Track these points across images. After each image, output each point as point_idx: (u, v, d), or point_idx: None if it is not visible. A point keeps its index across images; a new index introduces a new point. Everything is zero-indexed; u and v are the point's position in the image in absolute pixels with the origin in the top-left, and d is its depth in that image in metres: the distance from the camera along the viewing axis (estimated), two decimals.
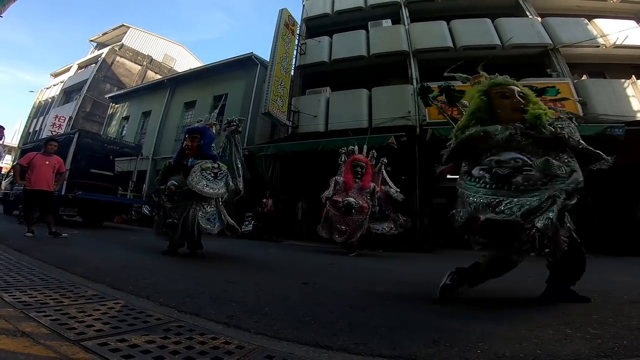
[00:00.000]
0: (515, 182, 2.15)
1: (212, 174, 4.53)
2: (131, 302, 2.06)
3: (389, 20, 13.44)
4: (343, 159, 7.25)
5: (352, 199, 6.43)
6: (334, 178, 6.93)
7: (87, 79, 24.11)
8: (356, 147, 7.32)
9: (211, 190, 4.42)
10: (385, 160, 7.55)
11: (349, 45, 13.08)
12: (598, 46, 11.29)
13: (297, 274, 3.93)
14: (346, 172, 6.78)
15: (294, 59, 13.21)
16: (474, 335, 1.71)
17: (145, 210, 12.26)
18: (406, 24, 13.02)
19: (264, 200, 10.64)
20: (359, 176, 6.71)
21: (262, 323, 1.82)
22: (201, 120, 5.22)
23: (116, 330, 1.54)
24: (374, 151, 7.48)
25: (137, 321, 1.70)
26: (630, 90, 10.25)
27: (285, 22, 12.49)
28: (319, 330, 1.74)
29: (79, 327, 1.53)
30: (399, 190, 7.53)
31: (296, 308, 2.20)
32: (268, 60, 12.35)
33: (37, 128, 26.25)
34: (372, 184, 6.78)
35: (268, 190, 10.89)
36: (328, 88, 12.72)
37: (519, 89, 2.57)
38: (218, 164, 4.68)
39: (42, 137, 17.90)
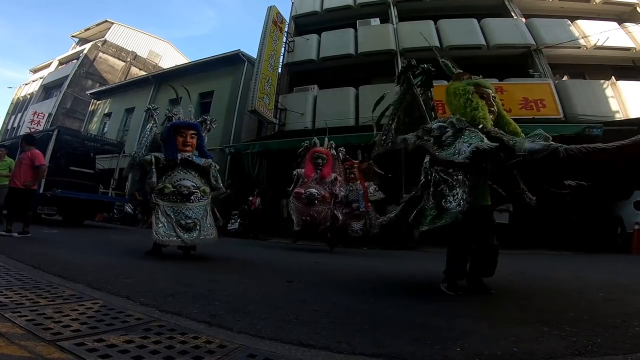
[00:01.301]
0: None
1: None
2: (110, 302, 2.02)
3: (378, 19, 13.49)
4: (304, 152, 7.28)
5: (314, 190, 6.45)
6: (295, 171, 6.96)
7: (68, 75, 23.44)
8: (316, 140, 7.30)
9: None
10: (343, 149, 7.57)
11: (337, 43, 13.09)
12: (579, 47, 11.56)
13: (282, 273, 3.91)
14: (307, 164, 6.81)
15: (281, 57, 13.13)
16: (454, 333, 1.73)
17: (128, 208, 12.04)
18: (394, 23, 13.09)
19: (251, 198, 10.56)
20: (320, 167, 6.74)
21: (244, 322, 1.81)
22: (169, 110, 5.23)
23: (94, 331, 1.51)
24: (332, 142, 7.46)
25: (116, 321, 1.67)
26: (609, 91, 10.52)
27: (273, 20, 12.41)
28: (302, 329, 1.74)
29: (55, 328, 1.49)
30: (378, 190, 7.45)
31: (280, 307, 2.19)
32: (255, 57, 12.24)
33: (15, 125, 25.44)
34: (333, 175, 6.81)
35: (257, 188, 10.81)
36: (315, 86, 12.71)
37: (492, 93, 2.87)
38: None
39: (21, 134, 17.39)
